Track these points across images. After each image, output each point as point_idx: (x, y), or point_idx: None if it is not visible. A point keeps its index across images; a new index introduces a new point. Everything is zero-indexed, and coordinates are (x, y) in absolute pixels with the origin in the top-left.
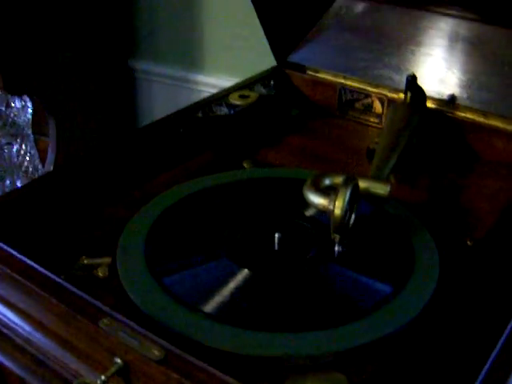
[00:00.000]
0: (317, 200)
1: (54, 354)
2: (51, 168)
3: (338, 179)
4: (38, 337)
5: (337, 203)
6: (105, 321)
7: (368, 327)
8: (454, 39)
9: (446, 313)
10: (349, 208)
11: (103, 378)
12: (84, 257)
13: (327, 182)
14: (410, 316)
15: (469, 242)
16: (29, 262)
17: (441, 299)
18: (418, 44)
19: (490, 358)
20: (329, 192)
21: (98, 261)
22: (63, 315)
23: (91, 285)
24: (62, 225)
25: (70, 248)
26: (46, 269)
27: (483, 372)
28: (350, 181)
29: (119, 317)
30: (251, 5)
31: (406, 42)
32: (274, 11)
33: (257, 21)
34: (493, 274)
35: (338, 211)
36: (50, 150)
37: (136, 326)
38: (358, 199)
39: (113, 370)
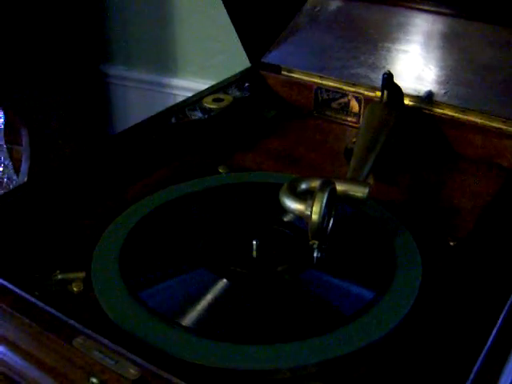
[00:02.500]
0: (293, 205)
1: (29, 375)
2: (25, 179)
3: (315, 183)
4: (11, 357)
5: (314, 208)
6: (79, 340)
7: (351, 335)
8: (429, 35)
9: (430, 316)
10: (326, 213)
11: None
12: (58, 271)
13: (304, 186)
14: (394, 322)
15: (451, 242)
16: (0, 279)
17: (425, 302)
18: (394, 41)
19: (478, 361)
20: (306, 197)
21: (72, 275)
22: (36, 335)
23: (66, 300)
24: (36, 238)
25: (45, 263)
26: (18, 285)
27: (472, 374)
28: (327, 185)
29: (93, 335)
30: (223, 6)
31: (381, 39)
32: (246, 12)
33: (229, 22)
34: (476, 273)
35: (315, 216)
36: (23, 160)
37: (111, 345)
38: (336, 203)
39: None
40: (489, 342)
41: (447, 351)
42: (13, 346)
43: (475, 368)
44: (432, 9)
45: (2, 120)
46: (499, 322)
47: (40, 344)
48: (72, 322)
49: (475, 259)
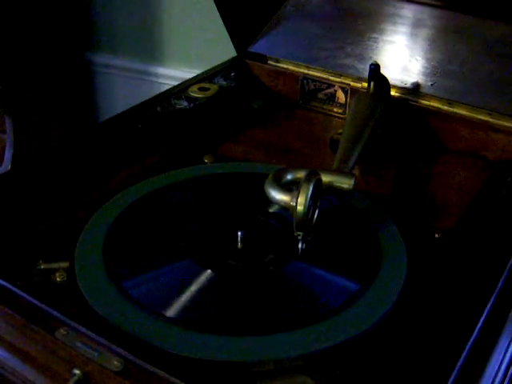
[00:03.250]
0: (278, 196)
1: (11, 366)
2: (8, 167)
3: (301, 174)
4: None
5: (299, 199)
6: (62, 331)
7: (337, 328)
8: (417, 26)
9: (415, 308)
10: (312, 204)
11: None
12: (41, 261)
13: (289, 177)
14: (379, 315)
15: (436, 235)
16: None
17: (410, 294)
18: (381, 32)
19: (463, 354)
20: (291, 188)
21: (56, 265)
22: (19, 326)
23: (49, 290)
24: (20, 227)
25: (28, 252)
26: (0, 276)
27: (457, 367)
28: (313, 176)
29: (76, 326)
30: None
31: (368, 30)
32: (232, 1)
33: (216, 11)
34: (461, 265)
35: (300, 208)
36: (7, 148)
37: (94, 336)
38: (322, 194)
39: (71, 382)
40: (474, 335)
41: (432, 344)
42: None
43: (460, 360)
44: (420, 0)
45: None
46: (484, 314)
47: (22, 335)
48: (55, 313)
49: (460, 251)
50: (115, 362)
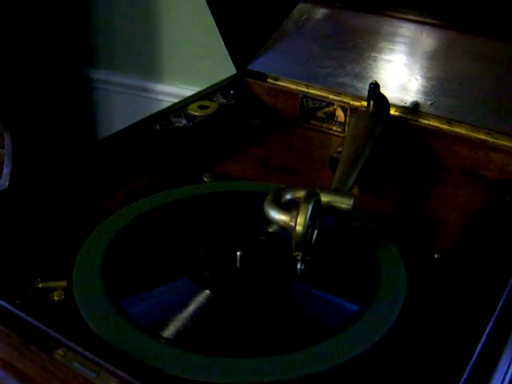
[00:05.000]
0: (277, 216)
1: None
2: (7, 183)
3: (300, 194)
4: None
5: (298, 219)
6: (59, 351)
7: (335, 349)
8: (416, 46)
9: (414, 329)
10: (311, 224)
11: None
12: (39, 279)
13: (288, 196)
14: (379, 335)
15: (436, 255)
16: None
17: (409, 315)
18: (381, 51)
19: (464, 375)
20: (290, 207)
21: (54, 284)
22: (17, 345)
23: (47, 309)
24: (17, 245)
25: (25, 271)
26: None
27: None
28: (312, 196)
29: (74, 346)
30: (210, 12)
31: (368, 48)
32: (232, 18)
33: (216, 28)
34: (460, 286)
35: (299, 228)
36: (5, 164)
37: (93, 357)
38: (321, 214)
39: None
40: (474, 356)
41: (432, 365)
42: None
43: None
44: (419, 19)
45: None
46: (484, 335)
47: (20, 355)
48: (53, 333)
49: (460, 272)
50: (113, 383)
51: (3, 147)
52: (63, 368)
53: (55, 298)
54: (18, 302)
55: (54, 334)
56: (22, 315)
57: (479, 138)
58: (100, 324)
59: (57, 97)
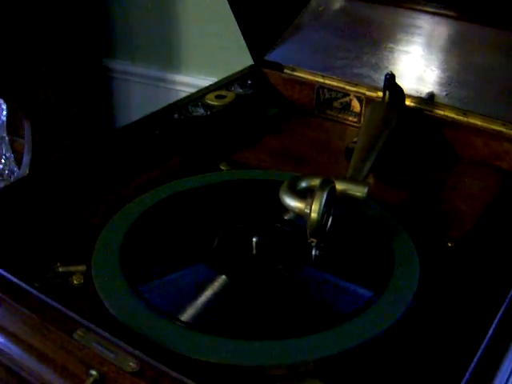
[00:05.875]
0: (293, 203)
1: (29, 366)
2: (26, 171)
3: (315, 182)
4: (11, 348)
5: (313, 207)
6: (79, 332)
7: (348, 333)
8: (433, 37)
9: (427, 316)
10: (326, 211)
11: None
12: (59, 264)
13: (304, 184)
14: (391, 321)
15: (449, 243)
16: (1, 271)
17: (421, 302)
18: (397, 42)
19: (474, 361)
20: (305, 195)
21: (73, 268)
22: (37, 326)
23: (66, 293)
24: (38, 230)
25: (45, 255)
26: (19, 277)
27: (468, 374)
28: (327, 183)
29: (94, 327)
30: (228, 3)
31: (384, 39)
32: (250, 9)
33: (233, 19)
34: (474, 275)
35: (314, 215)
36: (25, 152)
37: (111, 337)
38: (335, 202)
39: (88, 382)
40: (485, 342)
41: (443, 351)
42: (13, 337)
43: (471, 368)
44: (436, 11)
45: (5, 112)
46: (495, 322)
47: (40, 336)
48: (72, 314)
49: (473, 261)
50: (131, 364)
51: (23, 137)
52: (82, 348)
53: (74, 281)
54: (37, 285)
55: (74, 315)
56: (42, 297)
57: (494, 129)
58: (118, 307)
59: (76, 87)
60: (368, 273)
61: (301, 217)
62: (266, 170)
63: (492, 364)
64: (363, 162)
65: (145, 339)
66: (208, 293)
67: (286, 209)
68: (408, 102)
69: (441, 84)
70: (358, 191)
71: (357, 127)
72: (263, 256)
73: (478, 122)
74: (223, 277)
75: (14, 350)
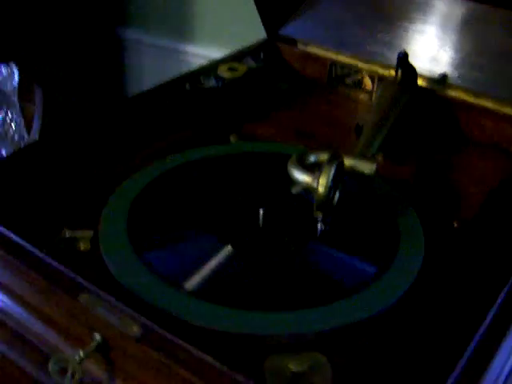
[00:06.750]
0: (301, 177)
1: (34, 329)
2: (37, 137)
3: (324, 156)
4: (17, 310)
5: (320, 180)
6: (84, 296)
7: (351, 308)
8: (448, 18)
9: (429, 295)
10: (333, 186)
11: (82, 354)
12: (66, 229)
13: (312, 158)
14: (394, 297)
15: (455, 224)
16: (8, 233)
17: (426, 281)
18: (412, 21)
19: (474, 340)
20: (313, 169)
21: (80, 234)
22: (43, 289)
23: (73, 258)
24: (46, 196)
25: (53, 220)
26: (27, 241)
27: (466, 354)
28: (335, 158)
29: (99, 292)
30: None
31: (399, 18)
32: None
33: None
34: (479, 256)
35: (321, 189)
36: (36, 119)
37: (115, 302)
38: (343, 177)
39: (92, 346)
40: (486, 321)
41: (444, 330)
42: (19, 299)
43: (470, 346)
44: None
45: (17, 78)
46: (497, 302)
47: (45, 298)
48: (78, 278)
49: (478, 242)
50: (135, 329)
51: (33, 103)
52: (87, 312)
53: (81, 247)
54: (44, 250)
55: (79, 279)
56: (49, 260)
57: (505, 112)
58: (124, 273)
59: (88, 55)
60: (373, 249)
61: (308, 191)
62: (276, 143)
63: (493, 341)
64: (372, 140)
65: (149, 305)
66: (213, 262)
67: (293, 182)
68: (420, 82)
69: (454, 65)
70: (367, 167)
71: (368, 105)
72: (270, 228)
73: (489, 104)
74: (229, 247)
75: (19, 312)
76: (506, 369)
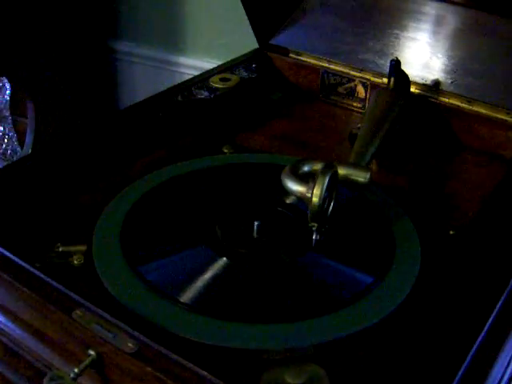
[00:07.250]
0: (295, 187)
1: (28, 345)
2: (29, 151)
3: (317, 166)
4: (11, 327)
5: (315, 191)
6: (78, 312)
7: (348, 319)
8: (438, 23)
9: (427, 303)
10: (327, 196)
11: (76, 370)
12: (59, 244)
13: (306, 168)
14: (391, 307)
15: (451, 231)
16: (1, 250)
17: (422, 289)
18: (403, 28)
19: (473, 349)
20: (307, 179)
21: (73, 248)
22: (36, 306)
23: (66, 273)
24: (39, 210)
25: (46, 235)
26: (20, 257)
27: (466, 361)
28: (329, 168)
29: (93, 308)
30: None
31: (390, 25)
32: None
33: (239, 2)
34: (475, 263)
35: (315, 199)
36: (28, 132)
37: (110, 318)
38: (337, 186)
39: (86, 362)
40: (484, 330)
41: (443, 338)
42: (12, 316)
43: (470, 355)
44: None
45: (9, 92)
46: (496, 310)
47: (39, 315)
48: (72, 294)
49: (474, 249)
50: (129, 344)
51: (25, 117)
52: (81, 328)
53: (75, 261)
54: (38, 265)
55: (73, 295)
56: (42, 276)
57: (498, 118)
58: (118, 288)
59: (80, 68)
60: (369, 258)
61: (302, 201)
62: (269, 154)
63: (492, 348)
64: (366, 148)
65: (143, 320)
66: (208, 275)
67: (288, 193)
68: (413, 89)
69: (446, 71)
70: (361, 176)
71: (361, 113)
72: (264, 240)
73: (482, 110)
74: (224, 259)
75: (13, 329)
76: (506, 377)
